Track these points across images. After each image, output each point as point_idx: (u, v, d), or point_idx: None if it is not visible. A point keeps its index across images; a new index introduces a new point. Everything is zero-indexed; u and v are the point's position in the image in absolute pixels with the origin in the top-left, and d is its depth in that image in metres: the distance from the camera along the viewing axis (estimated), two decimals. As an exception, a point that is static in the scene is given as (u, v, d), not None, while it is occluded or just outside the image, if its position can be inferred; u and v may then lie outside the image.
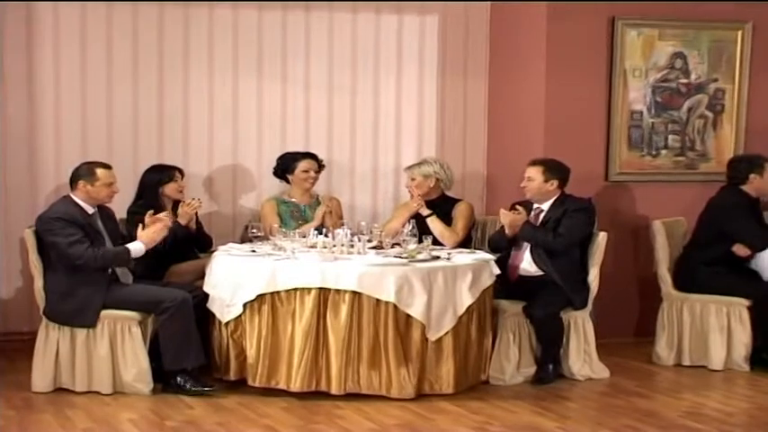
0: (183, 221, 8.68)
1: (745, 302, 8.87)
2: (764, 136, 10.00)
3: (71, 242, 7.81)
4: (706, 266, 9.03)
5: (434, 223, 8.86)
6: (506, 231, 8.60)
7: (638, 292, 9.84)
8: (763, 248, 8.95)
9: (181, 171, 9.00)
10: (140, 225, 8.06)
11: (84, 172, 8.09)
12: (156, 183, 8.87)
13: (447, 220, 8.96)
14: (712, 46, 9.96)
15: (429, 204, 8.98)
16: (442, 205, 9.04)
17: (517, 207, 8.66)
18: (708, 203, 9.22)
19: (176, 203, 8.87)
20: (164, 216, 8.25)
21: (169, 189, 8.85)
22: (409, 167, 9.25)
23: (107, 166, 8.17)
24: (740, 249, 9.00)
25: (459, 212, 9.04)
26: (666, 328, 9.15)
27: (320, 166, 9.30)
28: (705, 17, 9.89)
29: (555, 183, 8.68)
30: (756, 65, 10.02)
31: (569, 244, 8.57)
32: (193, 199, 8.86)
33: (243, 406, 7.62)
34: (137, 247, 7.95)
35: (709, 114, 10.03)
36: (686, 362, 9.03)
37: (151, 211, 8.11)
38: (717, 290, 8.96)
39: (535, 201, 8.73)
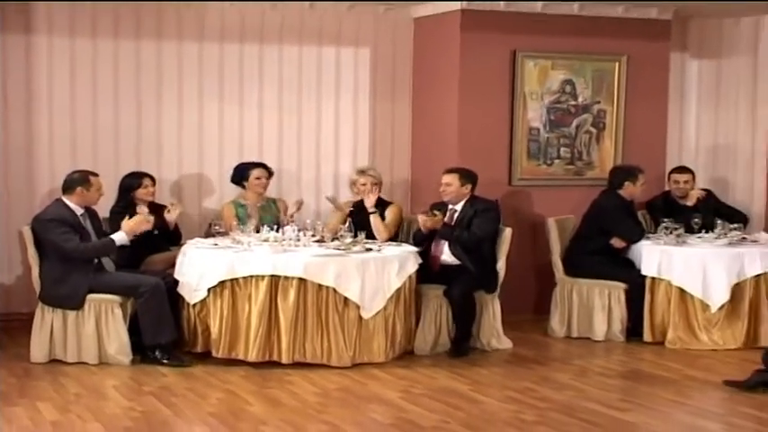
0: (171, 225, 8.76)
1: (623, 286, 8.94)
2: (638, 148, 10.07)
3: (65, 239, 7.81)
4: (590, 256, 9.10)
5: (375, 220, 8.83)
6: (423, 230, 8.64)
7: (536, 277, 9.84)
8: (636, 241, 9.04)
9: (152, 178, 8.94)
10: (124, 219, 8.10)
11: (80, 180, 8.06)
12: (129, 187, 8.84)
13: (381, 217, 8.95)
14: (595, 74, 10.01)
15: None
16: (378, 205, 8.98)
17: (435, 212, 8.67)
18: (591, 204, 9.29)
19: (151, 204, 8.88)
20: (146, 213, 8.32)
21: (140, 193, 8.80)
22: (363, 171, 9.17)
23: (96, 175, 8.18)
24: (617, 242, 9.10)
25: (391, 213, 9.02)
26: (559, 306, 9.21)
27: (270, 174, 9.32)
28: (589, 51, 9.96)
29: (469, 186, 8.72)
30: (631, 90, 10.08)
31: (480, 239, 8.60)
32: (172, 204, 8.89)
33: (208, 374, 7.62)
34: (120, 237, 7.97)
35: (594, 130, 10.07)
36: (574, 334, 9.09)
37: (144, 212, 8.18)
38: (599, 275, 9.03)
39: (451, 202, 8.74)
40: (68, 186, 8.07)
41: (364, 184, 9.01)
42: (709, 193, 9.93)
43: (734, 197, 10.37)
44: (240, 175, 9.26)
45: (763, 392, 7.18)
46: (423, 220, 8.61)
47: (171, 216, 8.76)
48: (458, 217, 8.70)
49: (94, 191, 8.08)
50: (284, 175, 9.80)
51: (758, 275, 8.75)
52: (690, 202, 9.69)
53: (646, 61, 10.14)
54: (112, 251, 8.05)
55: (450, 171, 8.81)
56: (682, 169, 9.94)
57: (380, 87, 10.21)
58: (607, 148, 10.10)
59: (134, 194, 8.82)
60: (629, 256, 9.12)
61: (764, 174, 10.54)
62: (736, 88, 10.73)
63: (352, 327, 7.88)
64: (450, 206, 8.76)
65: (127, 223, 8.01)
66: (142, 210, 8.65)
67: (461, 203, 8.72)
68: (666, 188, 9.97)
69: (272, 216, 9.10)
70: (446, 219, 8.69)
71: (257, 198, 9.18)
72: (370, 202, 8.92)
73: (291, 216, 9.04)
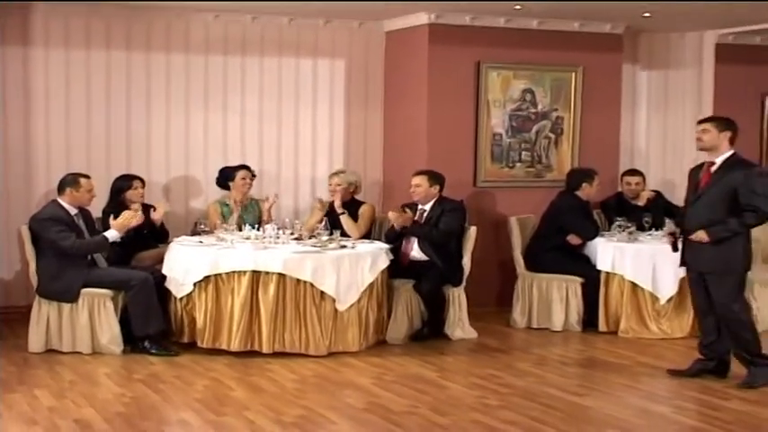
0: (158, 224, 8.75)
1: (579, 280, 8.98)
2: (593, 152, 10.12)
3: (62, 237, 7.80)
4: (549, 252, 9.12)
5: (346, 219, 8.83)
6: (395, 227, 8.67)
7: (499, 271, 9.85)
8: (592, 239, 9.07)
9: (141, 180, 8.91)
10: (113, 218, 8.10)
11: (70, 181, 8.06)
12: (120, 189, 8.81)
13: (355, 217, 8.94)
14: (553, 84, 10.04)
15: (343, 205, 8.92)
16: (352, 205, 9.00)
17: (406, 209, 8.72)
18: (550, 204, 9.32)
19: (143, 204, 8.85)
20: (134, 208, 8.37)
21: (130, 194, 8.76)
22: (336, 173, 9.16)
23: (88, 177, 8.15)
24: (573, 239, 9.12)
25: (364, 212, 9.00)
26: (520, 299, 9.22)
27: (253, 176, 9.31)
28: (548, 62, 9.99)
29: (437, 187, 8.74)
30: (586, 98, 10.13)
31: (447, 236, 8.62)
32: (158, 203, 8.87)
33: (194, 362, 7.60)
34: (112, 234, 7.96)
35: (552, 136, 10.11)
36: (535, 325, 9.11)
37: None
38: (557, 270, 9.06)
39: (420, 203, 8.76)
40: (61, 187, 8.07)
41: (340, 185, 8.99)
42: (658, 194, 9.98)
43: (681, 197, 10.37)
44: (226, 177, 9.24)
45: (704, 378, 7.25)
46: (394, 217, 8.62)
47: (156, 215, 8.74)
48: (427, 216, 8.71)
49: (84, 191, 8.05)
50: (265, 176, 9.78)
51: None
52: (641, 203, 9.75)
53: (600, 72, 10.19)
54: (106, 248, 8.03)
55: (419, 173, 8.83)
56: (633, 172, 10.00)
57: (354, 95, 10.21)
58: (564, 152, 10.14)
59: (125, 196, 8.79)
60: (585, 253, 9.15)
61: (709, 176, 10.63)
62: (683, 97, 10.82)
63: (328, 318, 7.88)
64: (419, 206, 8.78)
65: (115, 222, 7.99)
66: (135, 208, 8.62)
67: (430, 203, 8.74)
68: (619, 189, 10.02)
69: (254, 215, 9.10)
70: (416, 218, 8.71)
71: (242, 197, 9.17)
72: (337, 203, 8.92)
73: (269, 208, 9.06)
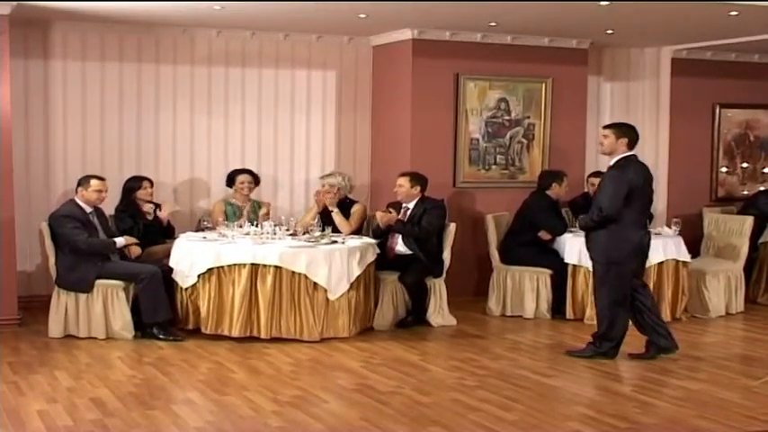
0: (165, 222, 8.77)
1: (549, 272, 8.99)
2: (561, 156, 10.14)
3: (75, 233, 7.82)
4: (521, 247, 9.12)
5: (337, 217, 8.81)
6: (380, 225, 8.67)
7: (476, 264, 9.86)
8: (560, 234, 9.06)
9: (150, 181, 8.92)
10: (129, 220, 8.31)
11: (82, 181, 8.09)
12: (131, 189, 8.83)
13: (347, 215, 8.92)
14: (526, 93, 10.04)
15: (337, 204, 8.90)
16: (344, 205, 8.98)
17: (390, 209, 8.72)
18: (523, 203, 9.32)
19: (149, 203, 8.85)
20: (147, 209, 8.58)
21: (140, 194, 8.79)
22: (323, 177, 9.19)
23: (100, 178, 8.15)
24: (544, 235, 9.11)
25: (355, 211, 8.98)
26: (495, 289, 9.22)
27: (256, 180, 9.28)
28: (521, 74, 10.00)
29: (418, 188, 8.73)
30: (555, 107, 10.14)
31: (429, 232, 8.63)
32: (164, 203, 8.88)
33: (198, 347, 7.61)
34: (119, 241, 8.02)
35: (524, 141, 10.11)
36: (508, 313, 9.11)
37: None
38: (529, 263, 9.06)
39: (404, 201, 8.77)
40: (76, 187, 8.10)
41: (333, 186, 8.99)
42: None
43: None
44: (230, 179, 9.28)
45: (661, 359, 7.30)
46: (380, 216, 8.63)
47: (163, 213, 8.75)
48: (410, 213, 8.72)
49: (92, 191, 8.04)
50: (263, 178, 9.70)
51: (661, 262, 8.82)
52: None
53: (567, 83, 10.21)
54: (112, 250, 8.02)
55: (403, 175, 8.84)
56: (597, 174, 9.99)
57: (345, 104, 10.20)
58: (536, 156, 10.15)
59: (135, 195, 8.80)
60: (555, 247, 9.14)
61: (666, 180, 10.68)
62: (642, 106, 10.88)
63: (320, 307, 7.88)
64: (404, 204, 8.79)
65: (128, 238, 8.11)
66: (147, 209, 8.67)
67: (413, 202, 8.74)
68: (585, 189, 10.04)
69: (256, 216, 9.08)
70: (401, 215, 8.71)
71: (243, 199, 9.17)
72: (331, 206, 8.88)
73: (265, 214, 9.06)
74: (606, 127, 7.39)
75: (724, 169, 11.09)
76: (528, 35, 9.85)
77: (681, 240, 9.01)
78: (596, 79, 10.84)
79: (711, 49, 10.50)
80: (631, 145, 7.18)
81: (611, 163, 7.22)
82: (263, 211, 9.14)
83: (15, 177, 8.45)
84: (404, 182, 8.75)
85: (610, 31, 9.59)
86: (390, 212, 8.65)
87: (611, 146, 7.19)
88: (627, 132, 7.21)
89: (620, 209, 7.01)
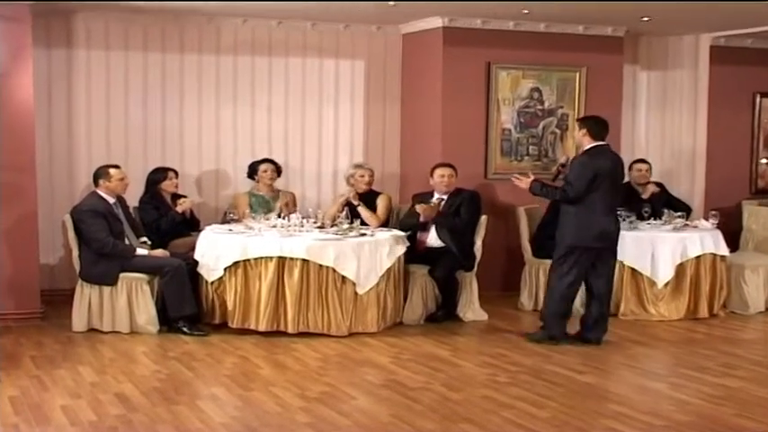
0: (180, 210, 8.71)
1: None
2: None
3: (95, 230, 7.88)
4: (554, 240, 9.07)
5: (364, 211, 8.81)
6: (422, 219, 8.64)
7: (508, 258, 9.81)
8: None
9: (176, 172, 8.96)
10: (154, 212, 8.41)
11: (101, 173, 8.13)
12: (156, 180, 8.87)
13: (373, 207, 8.94)
14: (559, 83, 10.00)
15: (361, 196, 8.90)
16: (370, 196, 9.00)
17: (432, 202, 8.65)
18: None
19: (174, 195, 8.90)
20: (180, 202, 8.66)
21: (165, 185, 8.83)
22: (360, 166, 9.17)
23: (117, 166, 8.21)
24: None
25: (381, 202, 9.00)
26: (527, 284, 9.20)
27: (278, 170, 9.30)
28: (554, 63, 9.95)
29: (455, 179, 8.80)
30: (590, 96, 10.05)
31: (467, 224, 8.63)
32: (186, 197, 8.90)
33: (224, 342, 7.63)
34: (140, 252, 8.02)
35: (558, 131, 10.07)
36: (541, 308, 8.83)
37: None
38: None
39: (442, 193, 8.75)
40: (95, 180, 8.15)
41: (362, 176, 9.01)
42: (662, 188, 9.90)
43: (678, 190, 10.38)
44: (252, 170, 9.28)
45: (703, 357, 7.25)
46: (422, 210, 8.61)
47: (180, 208, 8.73)
48: (446, 204, 8.71)
49: (116, 180, 8.09)
50: (290, 169, 9.79)
51: (698, 256, 8.78)
52: (645, 195, 9.65)
53: (602, 72, 10.13)
54: (129, 257, 7.97)
55: (445, 165, 8.84)
56: (641, 161, 9.93)
57: (373, 94, 10.19)
58: (569, 147, 10.03)
59: (160, 186, 8.84)
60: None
61: (704, 171, 10.59)
62: (680, 96, 10.78)
63: (348, 301, 7.88)
64: (437, 196, 8.76)
65: (155, 251, 8.12)
66: (181, 201, 8.71)
67: (447, 194, 8.74)
68: (626, 179, 9.95)
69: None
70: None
71: (267, 189, 9.19)
72: (351, 194, 8.90)
73: (285, 205, 9.09)
74: (576, 121, 7.93)
75: (764, 160, 10.99)
76: (562, 23, 9.79)
77: (719, 233, 8.95)
78: (632, 68, 10.75)
79: (751, 36, 10.39)
80: (594, 136, 7.57)
81: (581, 152, 7.66)
82: (282, 201, 9.13)
83: (38, 169, 8.50)
84: (449, 172, 8.76)
85: (646, 19, 9.51)
86: (432, 205, 8.62)
87: (578, 139, 7.73)
88: (587, 124, 7.65)
89: (581, 192, 7.43)
